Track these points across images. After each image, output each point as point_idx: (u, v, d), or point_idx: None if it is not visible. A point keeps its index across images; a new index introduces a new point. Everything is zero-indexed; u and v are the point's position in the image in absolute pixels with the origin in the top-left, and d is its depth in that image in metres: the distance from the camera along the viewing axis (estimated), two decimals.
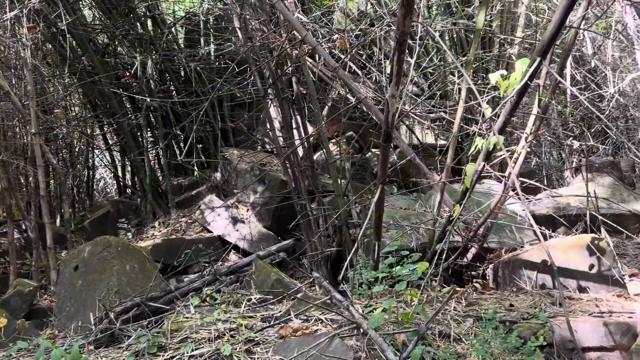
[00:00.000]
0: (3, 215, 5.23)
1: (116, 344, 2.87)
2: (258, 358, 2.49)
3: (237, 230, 5.07)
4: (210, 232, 5.17)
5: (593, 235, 3.69)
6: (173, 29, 6.70)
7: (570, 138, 6.57)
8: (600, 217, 4.26)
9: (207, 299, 3.38)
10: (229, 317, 2.96)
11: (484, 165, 3.26)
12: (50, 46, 6.23)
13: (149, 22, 6.57)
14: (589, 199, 4.49)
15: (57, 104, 6.50)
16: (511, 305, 3.16)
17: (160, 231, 5.65)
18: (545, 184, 5.88)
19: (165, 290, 3.49)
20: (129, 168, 7.32)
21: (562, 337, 2.60)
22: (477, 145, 3.17)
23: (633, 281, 3.71)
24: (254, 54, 4.43)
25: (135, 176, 6.83)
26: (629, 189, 5.54)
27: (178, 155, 6.53)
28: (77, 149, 7.36)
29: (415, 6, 2.99)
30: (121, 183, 7.61)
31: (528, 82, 2.78)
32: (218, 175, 6.20)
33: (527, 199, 4.90)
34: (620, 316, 2.81)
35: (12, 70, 5.43)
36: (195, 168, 6.57)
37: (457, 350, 2.55)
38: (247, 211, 5.27)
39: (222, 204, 5.36)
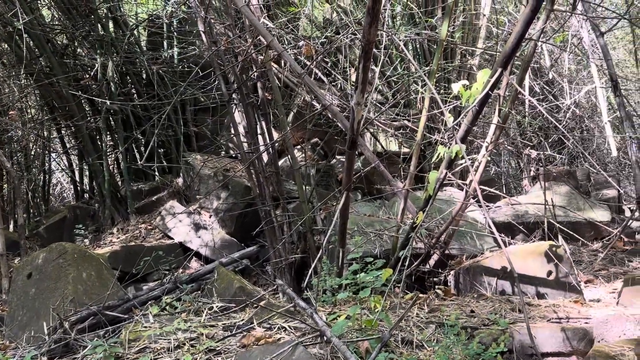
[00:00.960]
0: None
1: (71, 355, 2.77)
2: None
3: (199, 237, 5.00)
4: (172, 238, 5.08)
5: (551, 242, 3.78)
6: (135, 31, 6.58)
7: (529, 147, 6.73)
8: (557, 225, 4.38)
9: (167, 307, 3.31)
10: (190, 326, 2.90)
11: (446, 173, 3.31)
12: (6, 46, 6.03)
13: (111, 24, 6.44)
14: (547, 207, 4.61)
15: (12, 105, 6.29)
16: (472, 311, 3.20)
17: (118, 237, 5.52)
18: (505, 192, 6.00)
19: (123, 298, 3.40)
20: (87, 172, 7.14)
21: (522, 343, 2.65)
22: (439, 154, 3.22)
23: (589, 287, 3.82)
24: (219, 58, 4.39)
25: (94, 181, 6.65)
26: (584, 198, 5.71)
27: (138, 160, 6.40)
28: (32, 152, 7.13)
29: (380, 16, 3.01)
30: (78, 188, 7.41)
31: (489, 92, 2.84)
32: (180, 180, 6.11)
33: (487, 206, 4.99)
34: (577, 322, 2.88)
35: None
36: (157, 173, 6.45)
37: (420, 357, 2.56)
38: (210, 217, 5.21)
39: (184, 210, 5.27)
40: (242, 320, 2.98)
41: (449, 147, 3.12)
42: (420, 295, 3.48)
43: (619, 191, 5.95)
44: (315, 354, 2.39)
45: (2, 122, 5.68)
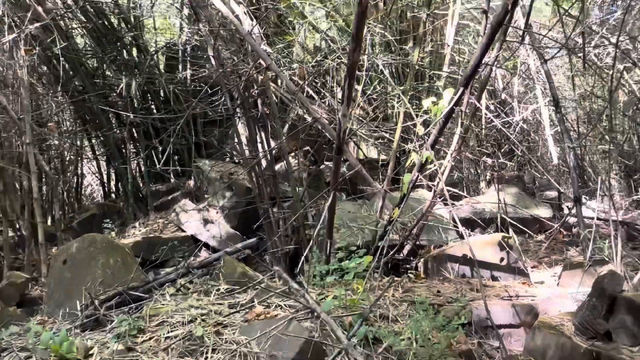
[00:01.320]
0: None
1: (100, 328, 2.75)
2: (226, 338, 2.43)
3: (208, 230, 4.95)
4: (184, 231, 5.01)
5: (503, 234, 3.81)
6: (155, 56, 6.53)
7: (485, 156, 6.77)
8: (508, 220, 4.41)
9: (181, 288, 3.27)
10: (200, 304, 2.87)
11: (417, 176, 3.32)
12: (45, 68, 5.97)
13: (134, 50, 6.40)
14: (500, 205, 4.63)
15: (50, 118, 6.22)
16: (438, 291, 3.21)
17: (140, 230, 5.46)
18: (466, 193, 6.02)
19: (145, 281, 3.37)
20: (113, 176, 7.05)
21: (479, 317, 2.67)
22: (412, 159, 3.24)
23: (534, 272, 3.85)
24: (225, 78, 4.38)
25: (119, 183, 6.59)
26: (530, 198, 5.76)
27: (157, 165, 6.34)
28: (67, 158, 7.04)
29: (362, 42, 3.03)
30: (106, 189, 7.31)
31: (453, 107, 2.87)
32: (192, 182, 6.06)
33: (452, 204, 5.00)
34: (525, 299, 2.90)
35: (10, 88, 5.16)
36: (172, 176, 6.40)
37: (395, 329, 2.57)
38: (217, 213, 5.17)
39: (195, 207, 5.22)
40: (245, 299, 2.96)
41: (420, 154, 3.14)
42: (396, 279, 3.46)
43: (559, 192, 6.00)
44: (307, 327, 2.39)
45: (42, 133, 5.60)
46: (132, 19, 6.24)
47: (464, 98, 3.03)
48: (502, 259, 3.56)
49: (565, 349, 1.83)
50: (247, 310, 2.74)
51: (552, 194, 6.10)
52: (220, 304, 2.91)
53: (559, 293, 2.93)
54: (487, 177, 6.73)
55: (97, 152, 7.17)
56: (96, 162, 7.33)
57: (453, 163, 4.11)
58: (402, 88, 4.93)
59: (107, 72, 6.29)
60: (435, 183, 3.72)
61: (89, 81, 5.85)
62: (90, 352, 2.37)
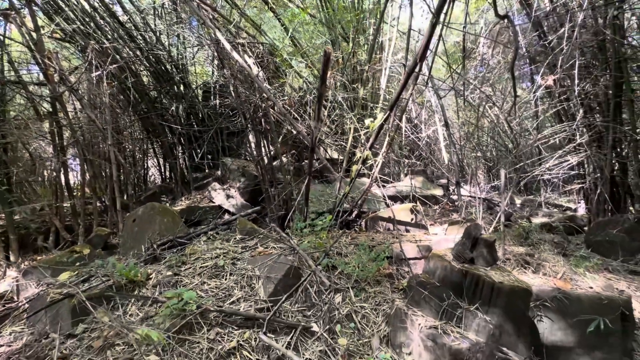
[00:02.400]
0: (91, 194, 4.74)
1: (157, 262, 2.70)
2: (239, 266, 2.42)
3: (229, 202, 4.86)
4: (214, 202, 4.93)
5: (413, 204, 3.88)
6: (195, 90, 6.34)
7: (404, 157, 6.86)
8: (417, 196, 4.51)
9: (211, 237, 3.24)
10: (223, 246, 2.86)
11: (361, 167, 3.34)
12: (121, 96, 5.72)
13: (182, 86, 6.18)
14: (412, 187, 4.72)
15: (125, 129, 5.96)
16: (372, 239, 3.23)
17: (185, 202, 5.33)
18: (392, 179, 6.09)
19: (187, 232, 3.30)
20: (168, 167, 6.86)
21: (397, 253, 2.72)
22: (358, 157, 3.25)
23: (432, 226, 3.93)
24: (240, 104, 4.28)
25: (172, 172, 6.41)
26: (430, 183, 5.87)
27: (196, 160, 6.19)
28: (137, 156, 6.80)
29: (327, 81, 3.01)
30: (163, 176, 7.10)
31: (383, 124, 2.89)
32: (219, 172, 5.94)
33: (383, 186, 5.07)
34: (425, 242, 2.98)
35: (98, 109, 4.92)
36: (206, 168, 6.26)
37: (346, 261, 2.61)
38: (235, 191, 5.08)
39: (220, 187, 5.12)
40: (252, 243, 2.95)
41: (363, 153, 3.15)
42: (347, 231, 3.49)
43: (447, 179, 6.14)
44: (290, 259, 2.40)
45: (119, 138, 5.38)
46: (180, 66, 6.03)
47: (390, 118, 3.05)
48: (412, 219, 3.62)
49: (447, 269, 1.88)
50: (252, 249, 2.74)
51: (444, 180, 6.23)
52: (236, 246, 2.91)
53: (445, 238, 3.00)
54: (405, 170, 6.83)
55: (157, 152, 6.92)
56: (156, 159, 7.08)
57: (383, 160, 4.15)
58: (353, 113, 4.95)
59: (164, 100, 6.06)
60: (372, 173, 3.76)
61: (151, 105, 5.63)
62: (150, 277, 2.32)
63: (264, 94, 3.82)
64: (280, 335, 1.79)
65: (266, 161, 4.77)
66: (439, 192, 5.50)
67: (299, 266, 2.29)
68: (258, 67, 4.50)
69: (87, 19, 4.70)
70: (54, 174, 4.58)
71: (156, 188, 6.46)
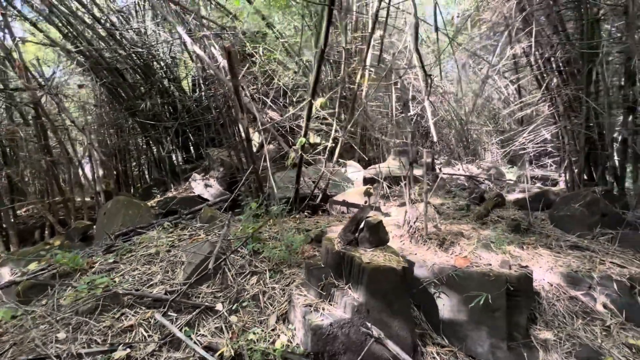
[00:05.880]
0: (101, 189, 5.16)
1: (111, 252, 2.96)
2: (172, 253, 2.61)
3: (208, 191, 5.08)
4: (194, 192, 5.18)
5: (367, 186, 3.88)
6: (181, 84, 6.53)
7: (392, 137, 6.69)
8: (392, 176, 4.45)
9: (167, 227, 3.36)
10: (173, 234, 3.04)
11: (300, 153, 3.32)
12: (107, 95, 6.04)
13: (165, 80, 6.37)
14: (389, 169, 4.64)
15: (111, 126, 6.34)
16: (317, 222, 3.27)
17: (172, 193, 5.63)
18: (381, 161, 6.00)
19: (150, 222, 3.53)
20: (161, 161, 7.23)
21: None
22: (299, 143, 3.26)
23: (385, 206, 3.91)
24: (212, 95, 4.41)
25: (162, 165, 6.77)
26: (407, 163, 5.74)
27: (183, 154, 6.47)
28: (132, 151, 7.22)
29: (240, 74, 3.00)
30: (157, 169, 7.50)
31: (309, 111, 2.89)
32: (206, 162, 6.18)
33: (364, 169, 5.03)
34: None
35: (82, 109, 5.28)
36: (196, 160, 6.53)
37: (276, 245, 2.69)
38: (214, 181, 5.30)
39: (200, 177, 5.36)
40: (196, 231, 3.09)
41: (298, 141, 3.15)
42: (297, 216, 3.54)
43: (433, 158, 5.98)
44: (214, 243, 2.53)
45: (108, 135, 5.75)
46: (162, 61, 6.21)
47: (313, 107, 3.01)
48: (365, 202, 3.65)
49: (329, 251, 1.96)
50: (192, 236, 2.91)
51: (428, 160, 6.05)
52: (185, 234, 3.09)
53: (389, 220, 3.01)
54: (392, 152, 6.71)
55: (151, 147, 7.29)
56: (151, 153, 7.46)
57: (350, 142, 4.14)
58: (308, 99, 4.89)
59: (148, 96, 6.32)
60: (325, 156, 3.78)
61: (135, 102, 5.90)
62: (94, 264, 2.58)
63: (227, 84, 3.88)
64: (182, 315, 1.98)
65: (247, 149, 4.89)
66: (419, 172, 5.38)
67: (220, 252, 2.45)
68: (224, 58, 4.58)
69: (71, 21, 4.93)
70: (67, 174, 4.94)
71: (152, 181, 6.88)
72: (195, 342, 1.76)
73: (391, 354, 1.57)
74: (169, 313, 1.97)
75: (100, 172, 7.44)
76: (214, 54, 4.44)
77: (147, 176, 7.77)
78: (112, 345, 1.71)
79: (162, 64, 6.23)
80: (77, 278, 2.37)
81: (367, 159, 6.10)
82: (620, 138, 3.59)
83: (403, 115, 4.26)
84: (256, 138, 5.92)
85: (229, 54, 2.21)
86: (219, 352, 1.69)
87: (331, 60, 5.75)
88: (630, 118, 3.46)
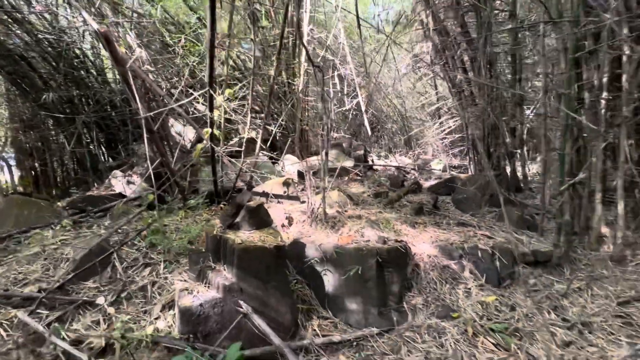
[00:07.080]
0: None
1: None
2: (61, 250, 2.46)
3: (130, 188, 4.83)
4: (114, 191, 4.89)
5: (287, 177, 3.96)
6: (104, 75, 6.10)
7: (329, 131, 6.85)
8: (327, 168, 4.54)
9: (66, 225, 3.13)
10: (71, 232, 2.87)
11: (212, 148, 3.30)
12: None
13: (82, 71, 5.91)
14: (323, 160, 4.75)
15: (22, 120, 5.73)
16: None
17: (94, 192, 5.26)
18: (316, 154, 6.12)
19: (47, 222, 3.28)
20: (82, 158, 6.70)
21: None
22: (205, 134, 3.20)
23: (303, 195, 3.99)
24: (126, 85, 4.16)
25: (81, 162, 6.29)
26: (345, 155, 5.96)
27: (103, 149, 6.07)
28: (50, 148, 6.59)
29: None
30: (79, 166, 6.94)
31: (211, 103, 2.87)
32: (135, 159, 5.86)
33: (283, 162, 5.07)
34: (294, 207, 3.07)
35: None
36: (122, 155, 6.14)
37: (182, 237, 2.65)
38: (139, 177, 5.05)
39: (121, 174, 5.07)
40: (96, 228, 2.95)
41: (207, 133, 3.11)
42: (213, 208, 3.50)
43: (365, 150, 6.25)
44: (104, 239, 2.44)
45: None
46: (77, 50, 5.75)
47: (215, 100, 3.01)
48: (284, 192, 3.71)
49: (210, 234, 1.99)
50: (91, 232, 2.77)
51: (360, 152, 6.32)
52: (86, 232, 2.92)
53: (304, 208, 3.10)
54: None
55: (69, 143, 6.72)
56: (71, 150, 6.87)
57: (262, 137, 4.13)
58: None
59: (63, 87, 5.82)
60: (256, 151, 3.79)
61: (45, 93, 5.40)
62: None
63: (140, 75, 3.70)
64: (56, 311, 1.88)
65: (155, 141, 4.71)
66: (349, 163, 5.59)
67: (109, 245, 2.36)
68: (141, 48, 4.37)
69: None
70: None
71: (73, 181, 6.35)
72: (63, 338, 1.69)
73: (262, 329, 1.65)
74: (39, 311, 1.86)
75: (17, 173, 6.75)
76: (128, 42, 4.22)
77: (73, 176, 7.16)
78: None
79: (79, 52, 5.76)
80: None
81: (310, 153, 6.18)
82: (511, 128, 4.05)
83: (325, 107, 4.37)
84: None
85: (107, 39, 2.12)
86: (86, 343, 1.65)
87: (266, 54, 5.73)
88: (518, 110, 3.92)
